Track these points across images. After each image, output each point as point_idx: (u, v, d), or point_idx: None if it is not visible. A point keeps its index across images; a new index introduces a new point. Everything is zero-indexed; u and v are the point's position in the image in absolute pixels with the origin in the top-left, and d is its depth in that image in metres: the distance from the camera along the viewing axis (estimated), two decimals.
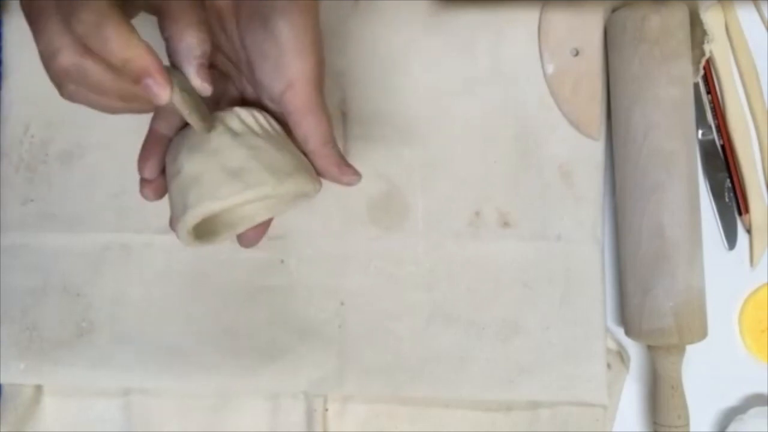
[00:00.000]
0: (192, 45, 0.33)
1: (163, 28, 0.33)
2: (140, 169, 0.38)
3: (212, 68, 0.38)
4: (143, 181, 0.38)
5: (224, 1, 0.37)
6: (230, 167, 0.35)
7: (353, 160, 0.48)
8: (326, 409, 0.48)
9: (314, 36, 0.36)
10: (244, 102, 0.39)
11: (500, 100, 0.48)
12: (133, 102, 0.33)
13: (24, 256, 0.50)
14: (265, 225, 0.42)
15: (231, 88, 0.39)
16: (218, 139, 0.36)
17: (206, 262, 0.48)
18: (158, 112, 0.38)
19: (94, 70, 0.31)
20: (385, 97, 0.48)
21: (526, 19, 0.48)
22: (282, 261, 0.48)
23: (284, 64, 0.36)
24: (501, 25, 0.48)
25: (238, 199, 0.35)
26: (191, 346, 0.48)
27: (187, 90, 0.34)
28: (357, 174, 0.39)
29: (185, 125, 0.37)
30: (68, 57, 0.30)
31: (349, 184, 0.39)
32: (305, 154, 0.38)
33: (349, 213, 0.48)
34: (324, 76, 0.37)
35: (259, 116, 0.38)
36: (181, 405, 0.49)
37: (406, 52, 0.48)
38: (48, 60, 0.31)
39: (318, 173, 0.39)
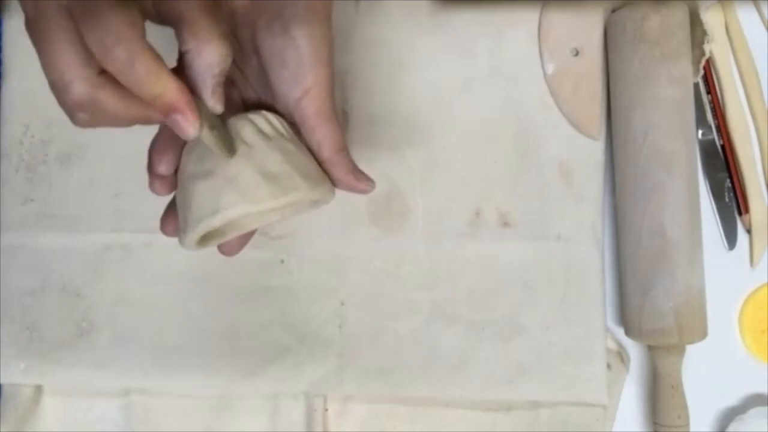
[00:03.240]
0: (213, 63, 0.32)
1: (181, 41, 0.32)
2: (155, 163, 0.36)
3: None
4: (155, 176, 0.37)
5: (240, 6, 0.36)
6: (266, 170, 0.35)
7: (354, 160, 0.48)
8: (326, 409, 0.48)
9: (330, 47, 0.36)
10: (246, 109, 0.39)
11: (500, 100, 0.48)
12: (147, 123, 0.32)
13: (24, 256, 0.50)
14: (251, 234, 0.40)
15: (234, 94, 0.39)
16: (251, 140, 0.35)
17: (206, 262, 0.48)
18: None
19: (109, 102, 0.30)
20: (385, 97, 0.48)
21: (526, 19, 0.48)
22: (282, 261, 0.48)
23: (303, 73, 0.35)
24: (501, 25, 0.48)
25: (275, 204, 0.34)
26: (191, 346, 0.48)
27: (212, 118, 0.33)
28: (371, 181, 0.38)
29: None
30: (82, 90, 0.29)
31: (363, 191, 0.38)
32: (320, 164, 0.38)
33: (349, 213, 0.48)
34: (335, 84, 0.37)
35: (283, 121, 0.37)
36: (181, 405, 0.49)
37: (407, 53, 0.48)
38: (60, 92, 0.30)
39: (334, 182, 0.38)
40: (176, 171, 0.37)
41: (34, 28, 0.29)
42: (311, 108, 0.36)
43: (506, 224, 0.47)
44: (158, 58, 0.30)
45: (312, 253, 0.48)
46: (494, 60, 0.48)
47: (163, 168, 0.36)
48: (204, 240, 0.37)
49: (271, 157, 0.35)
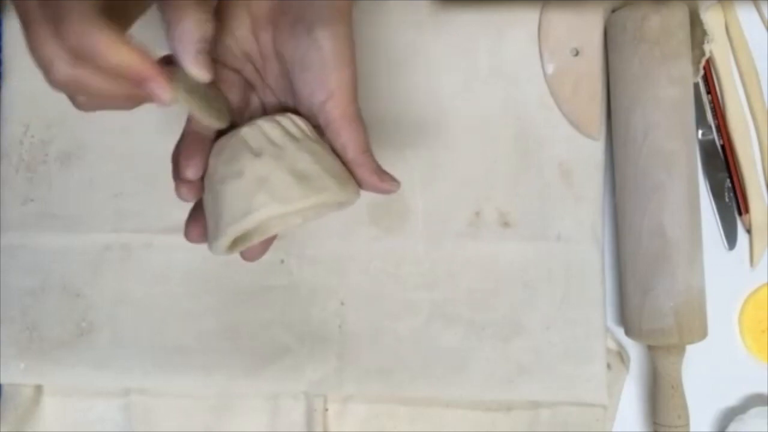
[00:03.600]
0: (189, 28, 0.31)
1: (162, 13, 0.32)
2: (183, 168, 0.36)
3: (238, 75, 0.37)
4: (182, 182, 0.36)
5: (262, 9, 0.36)
6: (297, 170, 0.35)
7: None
8: (326, 409, 0.48)
9: (352, 48, 0.36)
10: (265, 112, 0.39)
11: (500, 100, 0.48)
12: (146, 101, 0.32)
13: (24, 256, 0.50)
14: (272, 238, 0.40)
15: (254, 99, 0.39)
16: (280, 141, 0.35)
17: (206, 262, 0.48)
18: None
19: (91, 79, 0.30)
20: (385, 97, 0.48)
21: (526, 19, 0.48)
22: (282, 261, 0.48)
23: (327, 75, 0.35)
24: (501, 25, 0.48)
25: (306, 203, 0.34)
26: (191, 346, 0.48)
27: (194, 87, 0.33)
28: (395, 181, 0.38)
29: (230, 128, 0.36)
30: (62, 69, 0.29)
31: (387, 191, 0.38)
32: (346, 165, 0.37)
33: (349, 213, 0.48)
34: (357, 86, 0.37)
35: (308, 123, 0.37)
36: (181, 405, 0.49)
37: (407, 53, 0.48)
38: (45, 73, 0.30)
39: (359, 182, 0.37)
40: (203, 176, 0.36)
41: (17, 10, 0.30)
42: (336, 110, 0.36)
43: (506, 224, 0.47)
44: (114, 29, 0.29)
45: (312, 253, 0.48)
46: (494, 60, 0.48)
47: (191, 172, 0.36)
48: (233, 245, 0.36)
49: (301, 158, 0.35)
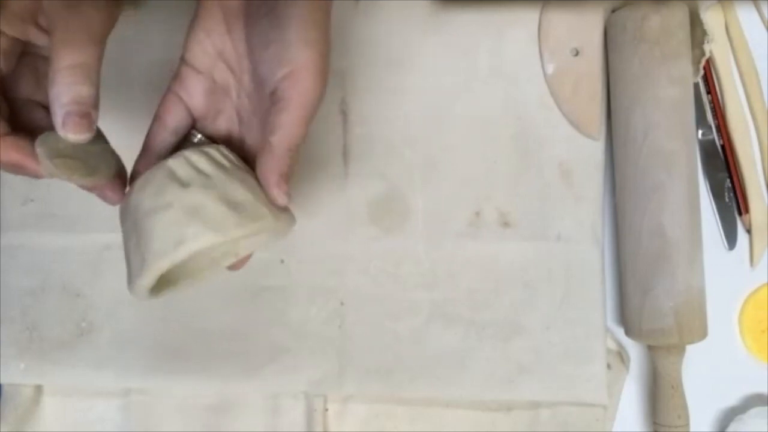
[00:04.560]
0: (60, 91, 0.31)
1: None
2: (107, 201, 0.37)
3: (209, 80, 0.37)
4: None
5: (234, 5, 0.36)
6: (229, 199, 0.33)
7: (353, 160, 0.48)
8: (326, 409, 0.48)
9: (323, 34, 0.34)
10: (239, 119, 0.38)
11: (500, 100, 0.48)
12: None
13: (24, 256, 0.50)
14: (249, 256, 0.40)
15: (228, 106, 0.38)
16: (209, 171, 0.34)
17: None
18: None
19: None
20: (385, 97, 0.48)
21: (526, 19, 0.48)
22: (282, 261, 0.48)
23: (288, 51, 0.33)
24: (501, 25, 0.48)
25: (243, 232, 0.33)
26: (191, 346, 0.48)
27: (68, 147, 0.32)
28: (288, 198, 0.35)
29: (171, 153, 0.36)
30: None
31: (273, 199, 0.35)
32: (262, 145, 0.35)
33: (349, 213, 0.48)
34: (326, 85, 0.35)
35: (237, 156, 0.36)
36: (181, 405, 0.49)
37: (407, 52, 0.48)
38: None
39: (257, 169, 0.35)
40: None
41: None
42: (291, 91, 0.33)
43: (506, 224, 0.47)
44: None
45: (312, 253, 0.48)
46: (494, 60, 0.48)
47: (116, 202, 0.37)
48: (158, 287, 0.35)
49: (232, 187, 0.34)
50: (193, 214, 0.32)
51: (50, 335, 0.49)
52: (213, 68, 0.37)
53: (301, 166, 0.48)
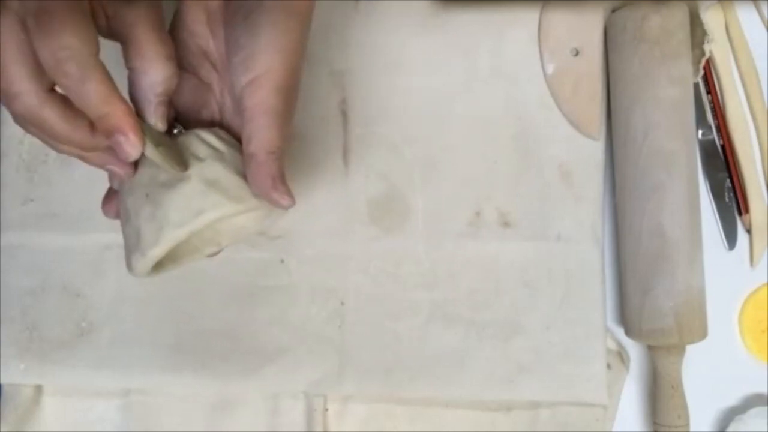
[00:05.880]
0: (156, 82, 0.32)
1: (127, 58, 0.32)
2: (104, 213, 0.38)
3: (195, 78, 0.37)
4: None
5: (216, 5, 0.36)
6: (243, 172, 0.35)
7: (353, 160, 0.48)
8: (326, 409, 0.48)
9: (294, 42, 0.34)
10: (221, 116, 0.38)
11: (500, 100, 0.48)
12: (88, 152, 0.33)
13: (24, 256, 0.50)
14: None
15: (211, 101, 0.38)
16: (221, 147, 0.35)
17: (206, 262, 0.48)
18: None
19: (52, 120, 0.30)
20: (385, 97, 0.48)
21: (526, 19, 0.48)
22: (282, 261, 0.48)
23: (254, 58, 0.33)
24: (501, 25, 0.48)
25: (256, 202, 0.35)
26: (191, 346, 0.48)
27: (158, 140, 0.33)
28: (290, 197, 0.35)
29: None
30: (28, 103, 0.30)
31: (276, 203, 0.35)
32: (244, 158, 0.35)
33: (349, 213, 0.48)
34: (295, 89, 0.35)
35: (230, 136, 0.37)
36: (181, 405, 0.49)
37: (407, 52, 0.48)
38: (7, 100, 0.30)
39: (249, 181, 0.35)
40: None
41: None
42: (254, 97, 0.34)
43: (506, 224, 0.47)
44: (109, 78, 0.30)
45: (312, 253, 0.48)
46: (494, 60, 0.48)
47: (111, 215, 0.37)
48: (158, 265, 0.36)
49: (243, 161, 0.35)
50: (212, 185, 0.34)
51: (50, 335, 0.49)
52: (198, 67, 0.37)
53: (301, 166, 0.48)
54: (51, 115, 0.30)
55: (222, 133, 0.37)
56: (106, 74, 0.30)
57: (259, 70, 0.33)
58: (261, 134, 0.34)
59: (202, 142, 0.35)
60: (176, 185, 0.34)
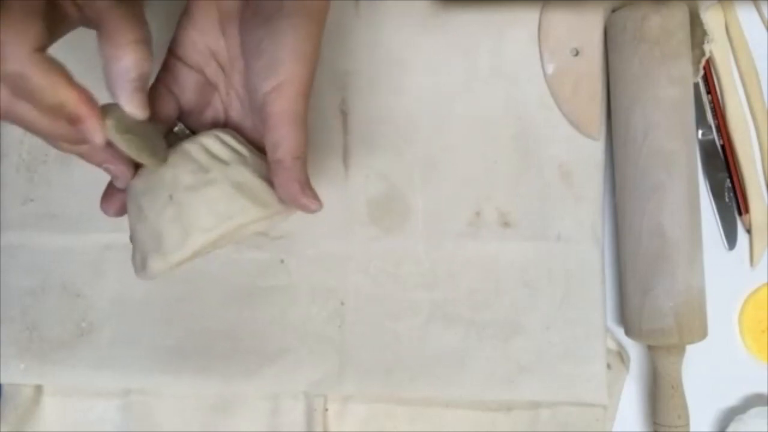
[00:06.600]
0: (128, 67, 0.31)
1: (100, 47, 0.32)
2: (104, 211, 0.37)
3: (197, 75, 0.37)
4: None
5: (232, 6, 0.36)
6: (266, 176, 0.35)
7: (354, 161, 0.48)
8: (326, 409, 0.48)
9: (315, 46, 0.34)
10: (226, 117, 0.39)
11: (500, 100, 0.48)
12: (79, 145, 0.32)
13: (24, 256, 0.50)
14: None
15: (216, 102, 0.38)
16: (240, 149, 0.35)
17: (206, 262, 0.48)
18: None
19: (28, 115, 0.30)
20: (385, 97, 0.48)
21: (526, 19, 0.48)
22: (282, 261, 0.48)
23: (278, 65, 0.34)
24: (501, 25, 0.48)
25: (280, 207, 0.35)
26: (191, 346, 0.48)
27: (130, 125, 0.32)
28: (318, 201, 0.35)
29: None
30: (3, 99, 0.29)
31: (305, 207, 0.35)
32: (270, 165, 0.35)
33: (349, 213, 0.48)
34: (309, 94, 0.35)
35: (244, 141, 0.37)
36: (181, 405, 0.49)
37: (407, 53, 0.48)
38: None
39: (276, 187, 0.35)
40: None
41: None
42: (279, 104, 0.34)
43: (506, 224, 0.47)
44: (54, 67, 0.29)
45: (312, 253, 0.48)
46: (494, 60, 0.48)
47: (112, 214, 0.37)
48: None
49: (264, 165, 0.35)
50: (239, 189, 0.34)
51: (50, 335, 0.49)
52: (205, 66, 0.37)
53: None
54: (26, 111, 0.30)
55: (237, 135, 0.37)
56: (49, 63, 0.29)
57: (283, 77, 0.33)
58: (288, 141, 0.34)
59: (224, 145, 0.35)
60: (202, 188, 0.34)
